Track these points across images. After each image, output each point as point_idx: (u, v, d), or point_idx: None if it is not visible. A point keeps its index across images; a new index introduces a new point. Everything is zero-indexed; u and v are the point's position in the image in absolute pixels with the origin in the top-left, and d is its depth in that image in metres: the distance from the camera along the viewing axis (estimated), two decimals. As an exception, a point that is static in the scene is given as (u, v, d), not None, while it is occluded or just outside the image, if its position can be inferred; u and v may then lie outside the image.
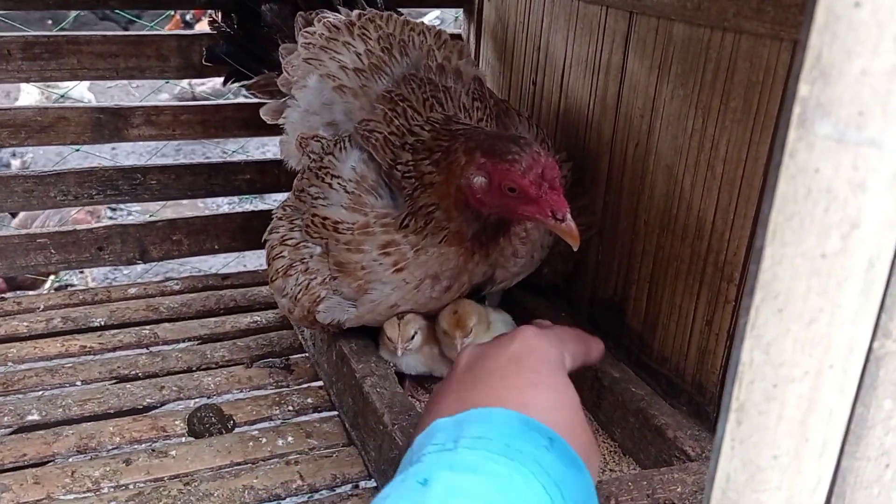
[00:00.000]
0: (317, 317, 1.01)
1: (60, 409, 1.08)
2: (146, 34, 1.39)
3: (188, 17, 5.29)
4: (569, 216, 0.85)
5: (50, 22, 4.99)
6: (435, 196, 0.93)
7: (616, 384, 0.97)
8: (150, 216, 1.96)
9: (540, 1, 1.27)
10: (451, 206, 0.92)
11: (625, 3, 1.04)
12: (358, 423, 1.00)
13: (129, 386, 1.14)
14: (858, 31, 0.28)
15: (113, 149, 3.78)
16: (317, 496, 0.95)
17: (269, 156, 2.59)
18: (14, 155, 4.14)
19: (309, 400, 1.13)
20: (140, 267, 2.93)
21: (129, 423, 1.05)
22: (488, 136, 0.93)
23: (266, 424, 1.08)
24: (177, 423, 1.06)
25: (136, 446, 1.02)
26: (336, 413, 1.09)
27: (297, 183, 1.08)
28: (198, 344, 1.29)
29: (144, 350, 1.27)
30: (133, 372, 1.19)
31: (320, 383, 1.17)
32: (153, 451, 0.99)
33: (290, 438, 1.03)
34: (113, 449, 1.02)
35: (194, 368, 1.21)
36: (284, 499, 0.94)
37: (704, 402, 0.97)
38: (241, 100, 1.51)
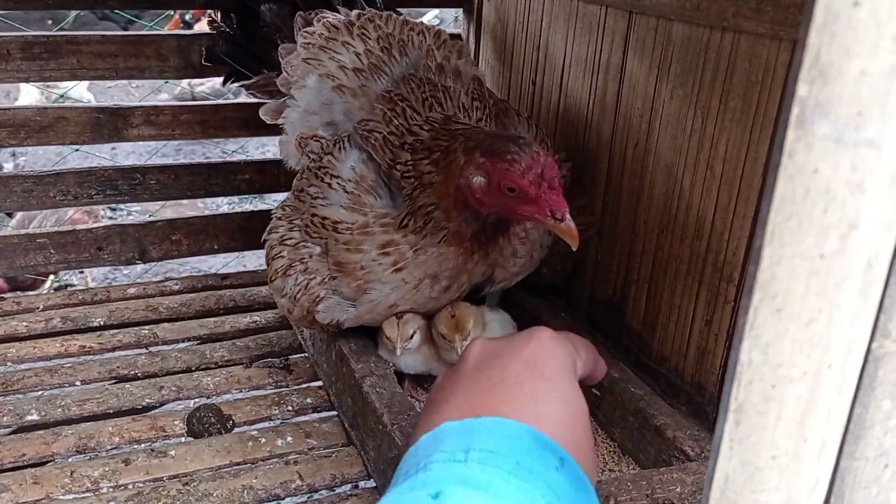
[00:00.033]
0: (316, 317, 1.01)
1: (60, 409, 1.08)
2: (145, 34, 1.39)
3: (187, 17, 5.28)
4: (568, 216, 0.85)
5: (50, 22, 4.99)
6: (434, 196, 0.93)
7: (615, 384, 0.97)
8: (150, 216, 1.96)
9: (539, 1, 1.27)
10: (451, 205, 0.92)
11: (624, 3, 1.04)
12: (357, 423, 1.00)
13: (128, 386, 1.14)
14: (857, 30, 0.28)
15: (112, 149, 3.78)
16: (316, 496, 0.95)
17: (269, 156, 2.59)
18: (14, 155, 4.13)
19: (308, 400, 1.13)
20: (139, 267, 2.92)
21: (129, 423, 1.05)
22: (487, 135, 0.93)
23: (265, 424, 1.08)
24: (176, 423, 1.06)
25: (135, 446, 1.02)
26: (335, 413, 1.09)
27: (297, 183, 1.08)
28: (197, 344, 1.29)
29: (144, 350, 1.27)
30: (132, 372, 1.19)
31: (319, 383, 1.17)
32: (152, 451, 0.99)
33: (289, 438, 1.03)
34: (112, 449, 1.02)
35: (193, 368, 1.20)
36: (284, 499, 0.94)
37: (704, 402, 0.97)
38: (240, 100, 1.51)
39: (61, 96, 3.30)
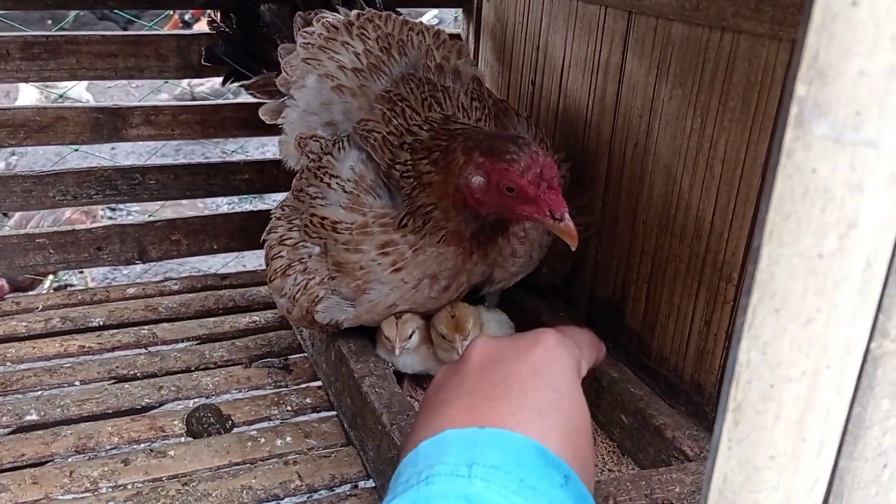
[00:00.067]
0: (315, 317, 1.01)
1: (59, 409, 1.08)
2: (145, 34, 1.39)
3: (187, 17, 5.28)
4: (567, 216, 0.85)
5: (49, 22, 4.98)
6: (433, 196, 0.93)
7: (615, 384, 0.97)
8: (149, 216, 1.96)
9: (539, 0, 1.27)
10: (450, 205, 0.92)
11: (623, 3, 1.04)
12: (356, 423, 1.00)
13: (127, 386, 1.14)
14: (856, 30, 0.28)
15: (112, 149, 3.77)
16: (315, 496, 0.95)
17: (269, 156, 2.58)
18: (14, 153, 4.12)
19: (307, 400, 1.13)
20: (139, 267, 2.92)
21: (128, 423, 1.05)
22: (487, 135, 0.92)
23: (265, 424, 1.08)
24: (175, 423, 1.06)
25: (134, 446, 1.02)
26: (335, 413, 1.09)
27: (296, 183, 1.08)
28: (196, 344, 1.29)
29: (143, 350, 1.27)
30: (132, 372, 1.19)
31: (319, 383, 1.17)
32: (151, 451, 0.99)
33: (288, 438, 1.03)
34: (111, 449, 1.02)
35: (193, 368, 1.21)
36: (283, 499, 0.94)
37: (703, 402, 0.97)
38: (240, 100, 1.51)
39: (61, 96, 3.30)
